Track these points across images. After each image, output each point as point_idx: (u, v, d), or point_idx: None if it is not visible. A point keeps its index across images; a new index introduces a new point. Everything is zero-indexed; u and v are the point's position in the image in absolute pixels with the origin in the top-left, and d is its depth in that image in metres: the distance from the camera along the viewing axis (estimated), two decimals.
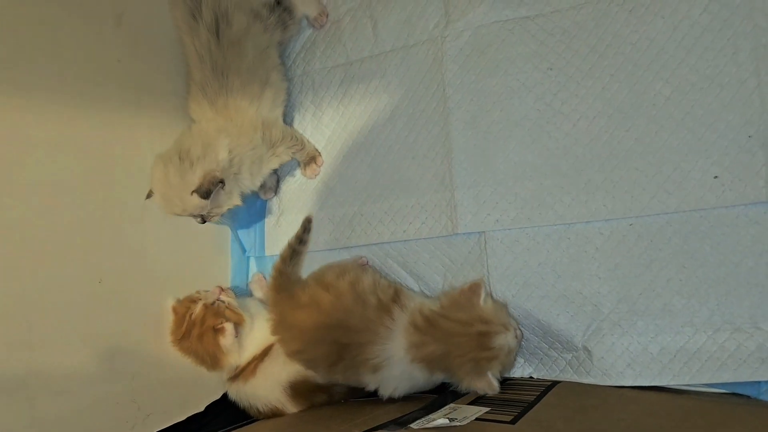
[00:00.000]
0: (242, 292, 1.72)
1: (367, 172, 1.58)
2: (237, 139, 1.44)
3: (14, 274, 1.25)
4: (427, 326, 1.25)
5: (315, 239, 1.63)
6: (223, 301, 1.55)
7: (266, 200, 1.74)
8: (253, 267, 1.79)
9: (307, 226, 1.55)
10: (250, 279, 1.76)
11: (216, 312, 1.51)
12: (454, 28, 1.49)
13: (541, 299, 1.36)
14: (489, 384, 1.23)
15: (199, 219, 1.46)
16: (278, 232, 1.70)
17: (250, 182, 1.51)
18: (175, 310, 1.53)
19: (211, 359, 1.50)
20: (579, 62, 1.37)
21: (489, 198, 1.41)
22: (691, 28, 1.27)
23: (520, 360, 1.43)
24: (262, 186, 1.70)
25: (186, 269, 1.64)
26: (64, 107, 1.37)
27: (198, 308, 1.50)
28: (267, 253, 1.72)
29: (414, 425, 1.13)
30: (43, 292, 1.30)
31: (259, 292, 1.72)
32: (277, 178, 1.72)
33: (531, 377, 1.41)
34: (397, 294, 1.33)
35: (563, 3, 1.39)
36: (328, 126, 1.65)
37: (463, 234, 1.44)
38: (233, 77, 1.46)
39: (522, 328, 1.36)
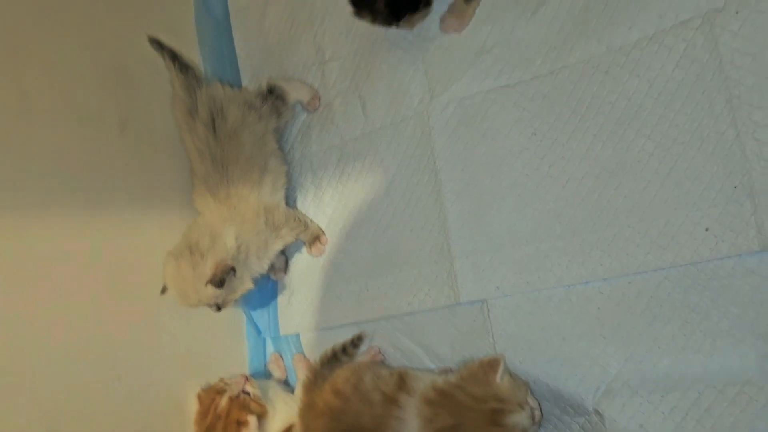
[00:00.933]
0: (261, 375, 1.75)
1: (370, 247, 1.61)
2: (241, 226, 1.50)
3: (36, 382, 1.30)
4: (441, 399, 1.25)
5: (326, 316, 1.67)
6: (248, 393, 1.57)
7: (277, 281, 1.78)
8: (269, 347, 1.82)
9: (356, 342, 1.57)
10: (267, 360, 1.79)
11: (241, 405, 1.52)
12: (438, 102, 1.53)
13: (548, 364, 1.36)
14: None
15: (214, 308, 1.51)
16: (291, 311, 1.74)
17: (259, 265, 1.55)
18: (200, 399, 1.57)
19: None
20: (562, 125, 1.39)
21: (488, 265, 1.43)
22: (666, 84, 1.28)
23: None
24: (272, 267, 1.75)
25: (203, 356, 1.68)
26: (74, 219, 1.44)
27: (224, 401, 1.52)
28: (282, 332, 1.76)
29: None
30: (65, 396, 1.35)
31: (277, 372, 1.76)
32: (285, 259, 1.76)
33: None
34: (402, 380, 1.32)
35: (541, 69, 1.42)
36: (329, 205, 1.70)
37: (466, 303, 1.45)
38: (233, 168, 1.52)
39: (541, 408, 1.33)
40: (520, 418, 1.21)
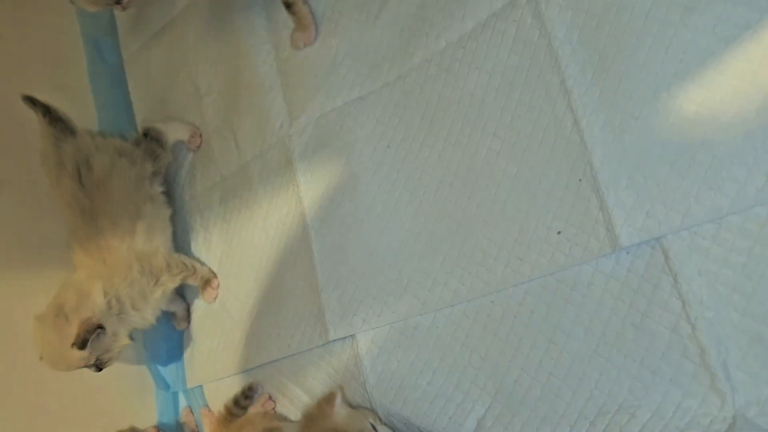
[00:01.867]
0: (172, 430, 1.65)
1: (255, 287, 1.51)
2: (110, 279, 1.42)
3: None
4: None
5: (222, 365, 1.56)
6: None
7: (183, 331, 1.69)
8: (182, 401, 1.72)
9: (247, 393, 1.47)
10: (179, 414, 1.70)
11: None
12: (297, 125, 1.43)
13: (417, 402, 1.20)
14: None
15: (93, 368, 1.43)
16: (194, 362, 1.65)
17: (140, 318, 1.46)
18: None
19: None
20: (413, 133, 1.26)
21: (352, 296, 1.29)
22: (504, 73, 1.14)
23: None
24: (174, 316, 1.67)
25: (109, 415, 1.60)
26: None
27: None
28: (188, 385, 1.66)
29: None
30: None
31: (187, 428, 1.66)
32: (187, 306, 1.68)
33: None
34: None
35: (390, 75, 1.30)
36: (218, 246, 1.61)
37: (338, 340, 1.32)
38: (102, 218, 1.45)
39: None
40: None
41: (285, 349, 1.41)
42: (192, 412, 1.69)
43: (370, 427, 1.15)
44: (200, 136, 1.65)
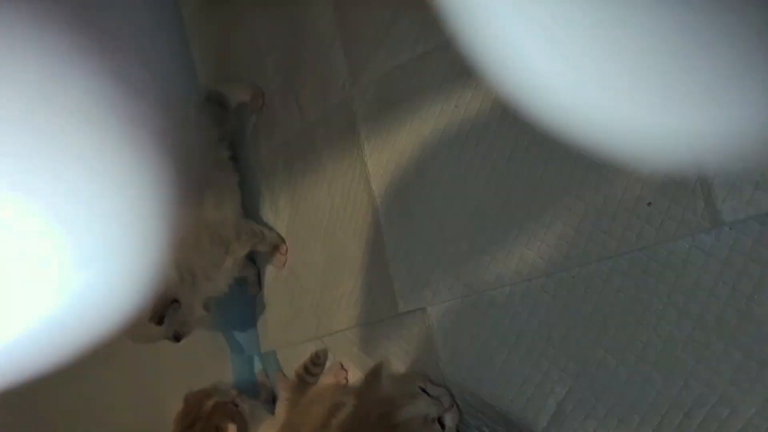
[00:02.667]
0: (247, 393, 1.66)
1: (322, 254, 1.46)
2: (181, 251, 1.41)
3: None
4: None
5: (292, 331, 1.55)
6: (236, 404, 1.51)
7: (255, 296, 1.69)
8: (257, 365, 1.73)
9: (316, 361, 1.45)
10: (255, 377, 1.72)
11: (225, 413, 1.47)
12: (359, 84, 1.34)
13: (492, 382, 1.13)
14: None
15: (171, 339, 1.44)
16: (266, 327, 1.64)
17: (213, 287, 1.46)
18: (186, 400, 1.51)
19: None
20: (484, 92, 1.14)
21: (422, 268, 1.22)
22: None
23: None
24: (245, 281, 1.66)
25: (186, 380, 1.62)
26: None
27: (210, 403, 1.47)
28: (262, 349, 1.66)
29: None
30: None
31: (264, 392, 1.68)
32: (258, 271, 1.66)
33: None
34: (332, 410, 1.17)
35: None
36: (285, 211, 1.57)
37: (408, 313, 1.26)
38: None
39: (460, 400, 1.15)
40: (414, 408, 1.05)
41: (355, 319, 1.37)
42: (267, 376, 1.70)
43: (420, 390, 1.10)
44: (263, 96, 1.59)
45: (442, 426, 1.08)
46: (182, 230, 1.41)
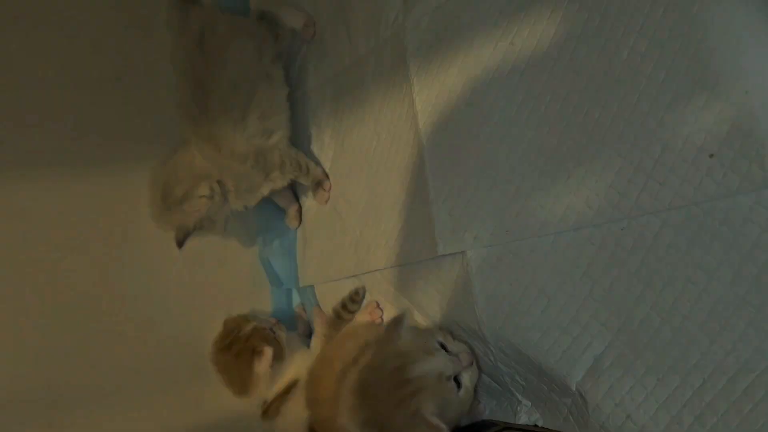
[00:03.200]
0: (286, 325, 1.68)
1: (365, 192, 1.44)
2: (221, 172, 1.39)
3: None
4: (360, 382, 1.09)
5: (330, 268, 1.54)
6: (274, 332, 1.53)
7: (295, 230, 1.68)
8: (296, 298, 1.75)
9: (354, 297, 1.45)
10: (293, 310, 1.73)
11: (263, 336, 1.49)
12: (412, 17, 1.28)
13: (529, 330, 1.10)
14: (428, 425, 0.99)
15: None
16: (305, 262, 1.64)
17: (240, 207, 1.45)
18: (225, 323, 1.54)
19: (241, 382, 1.46)
20: (542, 27, 1.08)
21: (464, 211, 1.19)
22: None
23: (526, 403, 1.18)
24: (286, 215, 1.66)
25: (224, 305, 1.65)
26: (69, 169, 1.49)
27: (249, 327, 1.50)
28: (301, 284, 1.67)
29: None
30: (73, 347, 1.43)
31: (301, 325, 1.70)
32: (298, 207, 1.65)
33: (536, 425, 1.16)
34: (360, 353, 1.16)
35: None
36: (329, 146, 1.54)
37: (447, 256, 1.23)
38: (214, 96, 1.36)
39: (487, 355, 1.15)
40: (428, 365, 1.03)
41: (393, 258, 1.35)
42: (304, 310, 1.71)
43: (438, 345, 1.08)
44: (314, 25, 1.54)
45: (459, 384, 1.06)
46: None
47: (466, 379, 1.08)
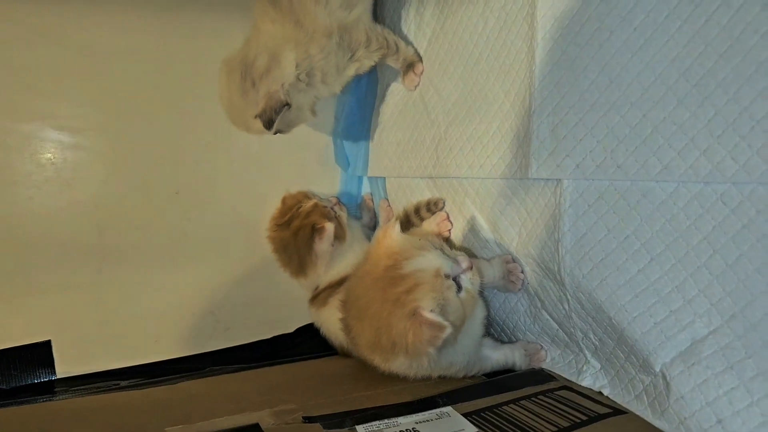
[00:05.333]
0: (351, 212, 1.56)
1: (458, 85, 1.24)
2: (306, 48, 1.22)
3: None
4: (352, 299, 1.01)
5: (407, 163, 1.38)
6: (335, 212, 1.43)
7: (372, 113, 1.51)
8: (365, 186, 1.61)
9: (431, 207, 1.31)
10: (359, 199, 1.60)
11: (324, 213, 1.40)
12: None
13: (619, 289, 0.93)
14: (429, 324, 0.87)
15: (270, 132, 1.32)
16: (380, 152, 1.48)
17: (327, 91, 1.29)
18: (284, 200, 1.46)
19: (299, 261, 1.39)
20: None
21: (571, 131, 0.98)
22: None
23: (595, 365, 1.03)
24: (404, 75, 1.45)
25: (292, 182, 1.53)
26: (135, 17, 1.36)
27: (309, 204, 1.41)
28: (369, 173, 1.52)
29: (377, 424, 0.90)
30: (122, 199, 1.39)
31: (366, 215, 1.58)
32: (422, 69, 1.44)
33: (601, 393, 1.00)
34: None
35: None
36: (429, 24, 1.33)
37: (540, 180, 1.04)
38: None
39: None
40: (423, 260, 0.93)
41: (477, 169, 1.17)
42: (372, 200, 1.58)
43: (434, 248, 0.97)
44: None
45: (459, 287, 0.95)
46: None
47: (466, 280, 0.96)
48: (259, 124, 1.21)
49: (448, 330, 0.86)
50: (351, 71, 1.29)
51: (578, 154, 0.96)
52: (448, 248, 1.02)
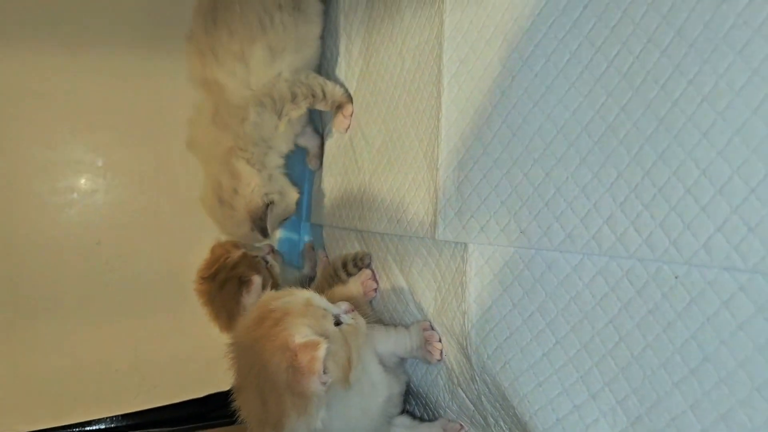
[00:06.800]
0: (289, 262, 1.46)
1: (381, 129, 1.13)
2: (240, 135, 1.18)
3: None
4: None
5: (336, 213, 1.28)
6: (267, 261, 1.33)
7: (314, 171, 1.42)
8: (305, 235, 1.51)
9: (358, 263, 1.20)
10: (300, 247, 1.50)
11: (252, 265, 1.30)
12: None
13: (522, 374, 0.80)
14: (298, 347, 0.73)
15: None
16: (318, 198, 1.38)
17: (279, 155, 1.25)
18: (213, 249, 1.35)
19: (227, 314, 1.27)
20: None
21: (476, 189, 0.86)
22: None
23: None
24: (306, 153, 1.40)
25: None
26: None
27: (236, 254, 1.31)
28: (312, 220, 1.42)
29: None
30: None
31: (307, 265, 1.47)
32: (320, 142, 1.37)
33: None
34: None
35: None
36: (357, 62, 1.23)
37: (447, 242, 0.92)
38: (220, 31, 1.16)
39: None
40: (290, 296, 0.83)
41: (394, 224, 1.06)
42: (314, 248, 1.47)
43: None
44: None
45: (338, 322, 0.83)
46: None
47: (347, 318, 0.84)
48: (260, 237, 1.23)
49: (323, 346, 0.73)
50: (284, 127, 1.20)
51: (482, 215, 0.85)
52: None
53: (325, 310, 0.83)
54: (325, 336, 0.78)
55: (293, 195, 1.25)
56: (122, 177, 1.37)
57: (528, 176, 0.79)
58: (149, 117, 1.38)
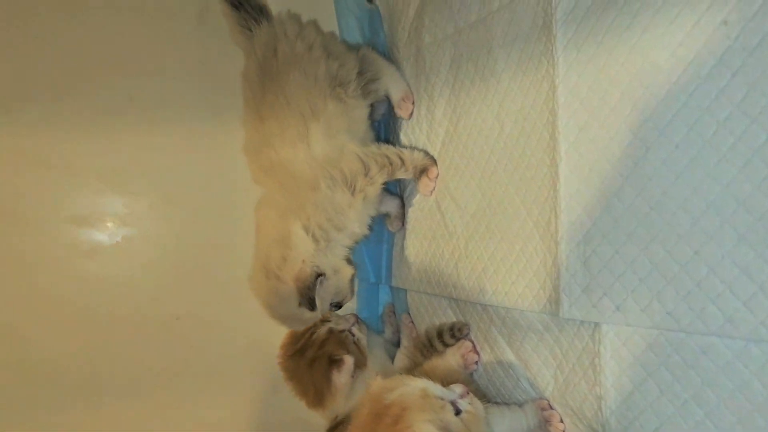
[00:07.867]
0: (369, 325, 1.40)
1: (476, 194, 1.08)
2: (303, 211, 1.11)
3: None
4: None
5: (426, 278, 1.23)
6: (353, 335, 1.29)
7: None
8: (384, 296, 1.46)
9: (456, 333, 1.14)
10: (381, 310, 1.45)
11: (340, 341, 1.27)
12: None
13: None
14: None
15: (333, 308, 1.23)
16: (401, 261, 1.33)
17: (348, 237, 1.17)
18: None
19: (315, 393, 1.24)
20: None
21: (607, 265, 0.81)
22: None
23: None
24: (387, 217, 1.34)
25: None
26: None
27: (323, 330, 1.27)
28: (393, 283, 1.37)
29: None
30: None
31: (389, 329, 1.42)
32: (400, 202, 1.32)
33: None
34: None
35: None
36: (441, 124, 1.19)
37: (573, 320, 0.87)
38: (270, 119, 1.15)
39: None
40: (405, 387, 0.79)
41: (502, 296, 1.00)
42: (394, 312, 1.42)
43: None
44: (412, 103, 1.25)
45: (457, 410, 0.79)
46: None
47: (464, 404, 0.80)
48: (307, 313, 1.13)
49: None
50: (359, 205, 1.15)
51: (618, 293, 0.79)
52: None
53: (442, 399, 0.79)
54: (449, 427, 0.75)
55: (348, 272, 1.17)
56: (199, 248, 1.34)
57: (672, 254, 0.73)
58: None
